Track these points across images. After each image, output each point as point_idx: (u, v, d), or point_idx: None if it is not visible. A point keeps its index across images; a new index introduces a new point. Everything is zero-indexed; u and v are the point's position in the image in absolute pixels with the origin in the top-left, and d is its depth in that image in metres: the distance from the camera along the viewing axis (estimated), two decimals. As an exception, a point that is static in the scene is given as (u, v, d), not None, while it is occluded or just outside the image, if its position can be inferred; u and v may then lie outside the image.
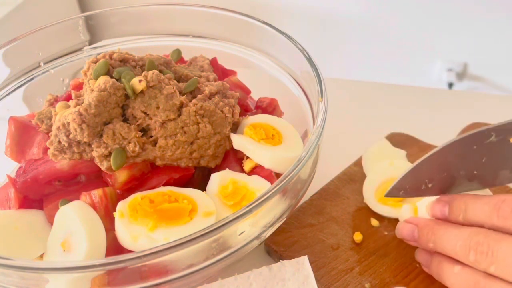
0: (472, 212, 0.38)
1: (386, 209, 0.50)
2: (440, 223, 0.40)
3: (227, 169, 0.45)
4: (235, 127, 0.49)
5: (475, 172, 0.41)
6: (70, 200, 0.43)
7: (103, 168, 0.43)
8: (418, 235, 0.42)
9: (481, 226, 0.37)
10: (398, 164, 0.52)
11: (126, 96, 0.44)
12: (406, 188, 0.42)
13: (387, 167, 0.52)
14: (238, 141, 0.46)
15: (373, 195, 0.51)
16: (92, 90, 0.43)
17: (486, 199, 0.38)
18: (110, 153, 0.43)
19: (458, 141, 0.39)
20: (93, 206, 0.42)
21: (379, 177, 0.51)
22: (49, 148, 0.44)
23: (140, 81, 0.43)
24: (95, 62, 0.47)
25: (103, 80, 0.43)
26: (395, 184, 0.42)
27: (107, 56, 0.47)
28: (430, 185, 0.42)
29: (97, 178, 0.45)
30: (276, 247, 0.48)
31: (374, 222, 0.50)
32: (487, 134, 0.38)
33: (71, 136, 0.43)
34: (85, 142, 0.43)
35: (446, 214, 0.40)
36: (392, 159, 0.52)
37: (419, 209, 0.44)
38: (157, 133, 0.44)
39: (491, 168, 0.40)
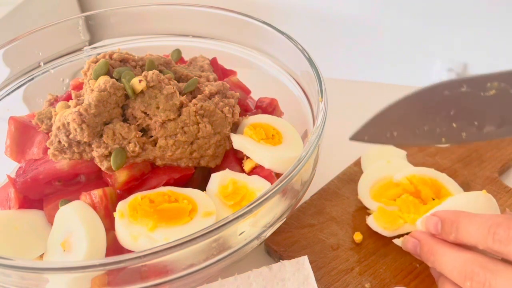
0: (465, 232, 0.37)
1: (379, 206, 0.49)
2: (439, 243, 0.40)
3: (227, 169, 0.45)
4: (235, 127, 0.49)
5: (440, 127, 0.40)
6: (70, 200, 0.43)
7: (103, 168, 0.43)
8: (420, 252, 0.41)
9: (473, 246, 0.37)
10: (395, 163, 0.52)
11: (126, 96, 0.44)
12: (370, 133, 0.41)
13: (384, 165, 0.52)
14: (238, 141, 0.46)
15: (367, 191, 0.51)
16: (92, 90, 0.43)
17: (480, 220, 0.37)
18: (110, 153, 0.43)
19: (427, 88, 0.38)
20: (93, 206, 0.42)
21: (375, 174, 0.51)
22: (49, 148, 0.44)
23: (140, 81, 0.43)
24: (95, 62, 0.47)
25: (103, 80, 0.43)
26: (360, 128, 0.41)
27: (107, 56, 0.47)
28: (395, 133, 0.40)
29: (97, 178, 0.45)
30: (276, 247, 0.48)
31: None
32: (458, 85, 0.38)
33: (71, 136, 0.43)
34: (85, 142, 0.43)
35: (439, 231, 0.40)
36: (391, 158, 0.52)
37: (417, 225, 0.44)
38: (157, 133, 0.44)
39: (458, 122, 0.39)
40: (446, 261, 0.38)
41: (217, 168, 0.46)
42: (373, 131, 0.41)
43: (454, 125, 0.40)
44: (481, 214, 0.38)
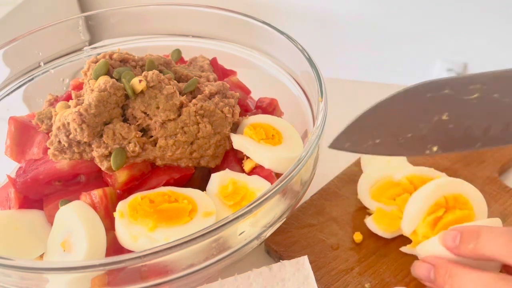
0: (485, 243, 0.37)
1: (379, 206, 0.49)
2: (458, 265, 0.39)
3: (227, 169, 0.45)
4: (235, 127, 0.49)
5: (424, 132, 0.38)
6: (70, 200, 0.43)
7: (103, 168, 0.43)
8: (435, 277, 0.40)
9: (493, 257, 0.37)
10: (395, 163, 0.52)
11: (126, 96, 0.44)
12: (352, 139, 0.38)
13: (384, 165, 0.52)
14: (238, 141, 0.46)
15: (367, 191, 0.50)
16: (92, 90, 0.43)
17: (501, 231, 0.37)
18: (110, 153, 0.43)
19: (408, 90, 0.37)
20: (93, 206, 0.42)
21: (375, 174, 0.51)
22: (49, 148, 0.44)
23: (140, 81, 0.43)
24: (95, 62, 0.47)
25: (103, 80, 0.43)
26: (340, 134, 0.38)
27: (107, 56, 0.47)
28: (377, 141, 0.38)
29: (97, 178, 0.45)
30: (276, 247, 0.48)
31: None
32: (441, 87, 0.36)
33: (71, 136, 0.43)
34: (85, 142, 0.43)
35: (457, 244, 0.39)
36: (391, 158, 0.52)
37: (430, 244, 0.43)
38: (157, 133, 0.44)
39: (441, 130, 0.38)
40: (467, 281, 0.37)
41: (217, 168, 0.46)
42: (354, 138, 0.39)
43: (440, 132, 0.39)
44: (501, 227, 0.38)
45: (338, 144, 0.39)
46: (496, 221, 0.42)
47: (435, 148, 0.39)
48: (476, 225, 0.39)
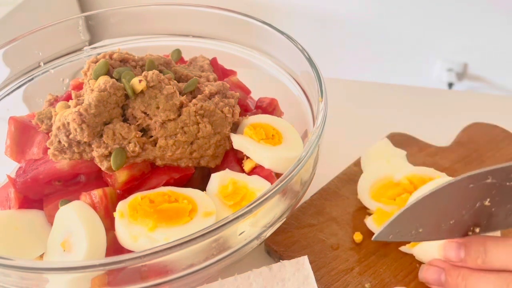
0: (494, 254, 0.37)
1: (379, 206, 0.49)
2: (470, 267, 0.39)
3: (227, 169, 0.45)
4: (235, 127, 0.49)
5: (467, 217, 0.39)
6: (70, 200, 0.43)
7: (103, 168, 0.43)
8: (446, 279, 0.40)
9: (503, 268, 0.36)
10: (395, 163, 0.52)
11: (126, 96, 0.44)
12: (395, 232, 0.40)
13: (384, 165, 0.52)
14: (238, 141, 0.46)
15: (367, 191, 0.50)
16: (92, 90, 0.43)
17: (508, 241, 0.37)
18: (110, 153, 0.43)
19: (452, 184, 0.38)
20: (93, 206, 0.42)
21: (375, 174, 0.51)
22: (49, 148, 0.44)
23: (140, 81, 0.43)
24: (95, 62, 0.47)
25: (103, 80, 0.43)
26: (385, 228, 0.40)
27: (107, 56, 0.47)
28: (420, 230, 0.40)
29: (97, 178, 0.45)
30: (276, 247, 0.48)
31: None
32: (483, 177, 0.37)
33: (71, 136, 0.43)
34: (85, 142, 0.43)
35: (462, 257, 0.39)
36: (391, 158, 0.52)
37: (428, 245, 0.43)
38: (157, 133, 0.44)
39: (483, 213, 0.39)
40: (482, 283, 0.37)
41: (217, 168, 0.46)
42: (397, 230, 0.40)
43: (483, 215, 0.39)
44: (505, 237, 0.38)
45: (381, 236, 0.40)
46: None
47: (477, 230, 0.40)
48: (478, 237, 0.39)
